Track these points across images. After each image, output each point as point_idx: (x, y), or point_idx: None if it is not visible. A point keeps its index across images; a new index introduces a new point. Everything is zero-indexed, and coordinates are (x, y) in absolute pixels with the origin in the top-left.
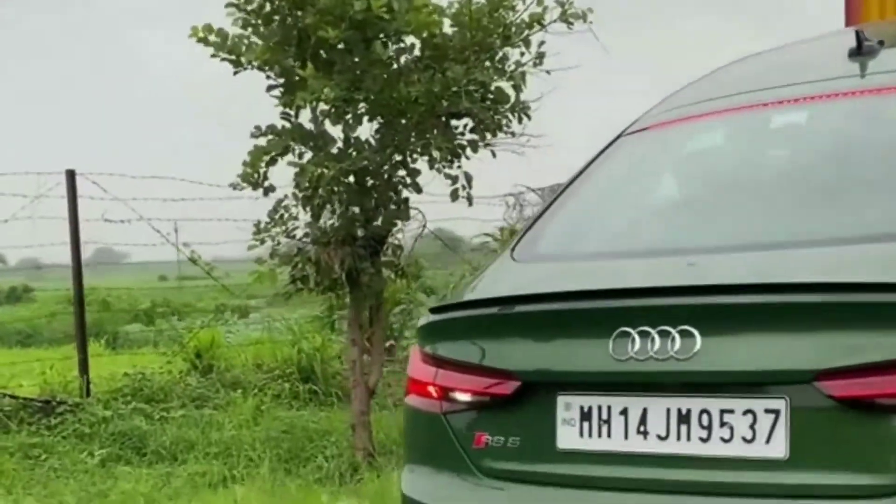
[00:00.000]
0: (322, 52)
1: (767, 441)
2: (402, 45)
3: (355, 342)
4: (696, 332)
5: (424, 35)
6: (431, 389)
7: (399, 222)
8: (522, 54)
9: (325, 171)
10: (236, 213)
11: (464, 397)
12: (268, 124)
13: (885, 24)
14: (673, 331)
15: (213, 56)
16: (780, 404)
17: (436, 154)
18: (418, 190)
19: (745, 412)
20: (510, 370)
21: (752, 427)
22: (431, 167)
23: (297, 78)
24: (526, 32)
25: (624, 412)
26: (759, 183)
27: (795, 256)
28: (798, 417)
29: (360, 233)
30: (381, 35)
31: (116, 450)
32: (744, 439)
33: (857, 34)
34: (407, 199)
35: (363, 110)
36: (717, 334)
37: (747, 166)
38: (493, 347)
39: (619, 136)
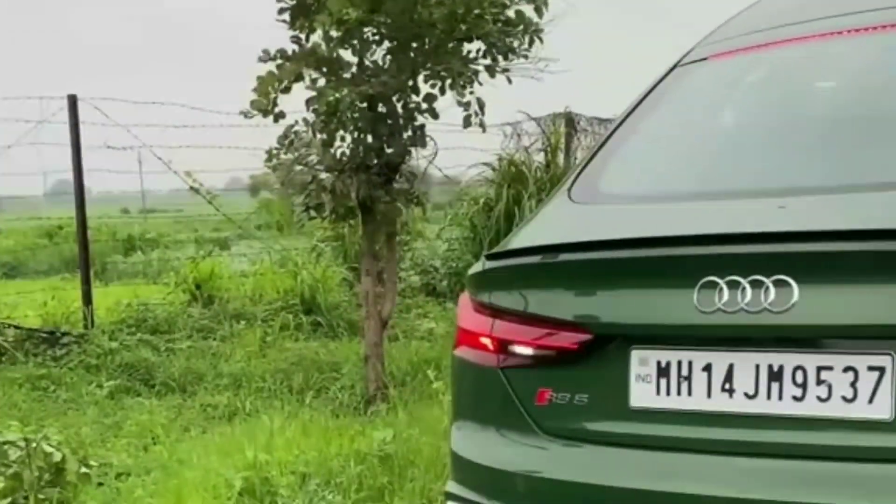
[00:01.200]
0: None
1: (870, 401)
2: None
3: (369, 272)
4: (792, 283)
5: None
6: (487, 341)
7: (413, 150)
8: None
9: (344, 95)
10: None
11: (525, 350)
12: (277, 48)
13: None
14: (767, 281)
15: None
16: (885, 361)
17: (454, 79)
18: (435, 116)
19: (846, 369)
20: (579, 322)
21: (853, 385)
22: (443, 93)
23: (311, 0)
24: None
25: (707, 368)
26: (836, 120)
27: (890, 200)
28: None
29: (374, 160)
30: None
31: (125, 381)
32: (843, 399)
33: None
34: (423, 126)
35: (376, 34)
36: (816, 285)
37: (819, 102)
38: (560, 297)
39: (675, 66)
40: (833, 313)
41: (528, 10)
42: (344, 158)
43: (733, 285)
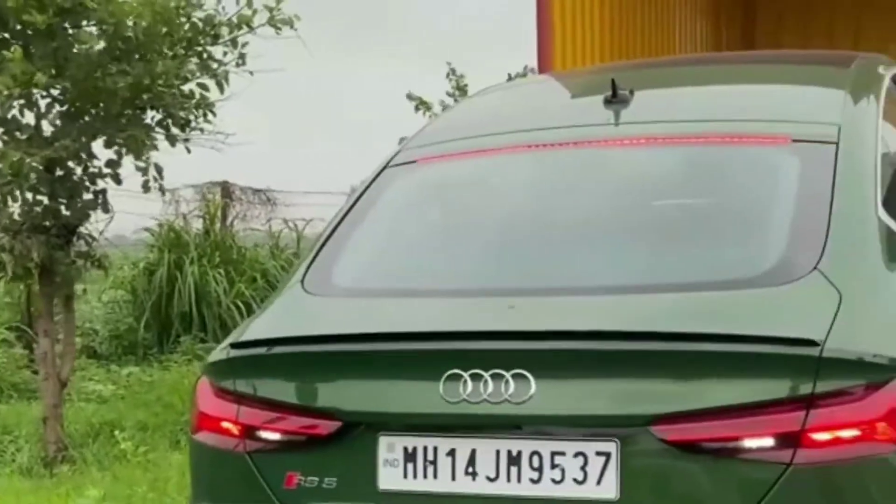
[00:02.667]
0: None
1: (599, 482)
2: (104, 31)
3: (47, 333)
4: (530, 376)
5: (131, 22)
6: (232, 427)
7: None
8: (225, 54)
9: (25, 157)
10: None
11: (273, 436)
12: None
13: (625, 69)
14: (507, 374)
15: None
16: (611, 447)
17: (137, 146)
18: (118, 181)
19: (577, 454)
20: (328, 410)
21: (583, 469)
22: (120, 157)
23: None
24: (234, 33)
25: (451, 453)
26: (549, 226)
27: (615, 303)
28: (629, 460)
29: (51, 221)
30: (84, 23)
31: None
32: (575, 481)
33: (612, 81)
34: (104, 191)
35: (55, 99)
36: (551, 379)
37: (532, 208)
38: (308, 386)
39: (385, 167)
40: (565, 405)
41: (211, 83)
42: (20, 218)
43: (476, 378)
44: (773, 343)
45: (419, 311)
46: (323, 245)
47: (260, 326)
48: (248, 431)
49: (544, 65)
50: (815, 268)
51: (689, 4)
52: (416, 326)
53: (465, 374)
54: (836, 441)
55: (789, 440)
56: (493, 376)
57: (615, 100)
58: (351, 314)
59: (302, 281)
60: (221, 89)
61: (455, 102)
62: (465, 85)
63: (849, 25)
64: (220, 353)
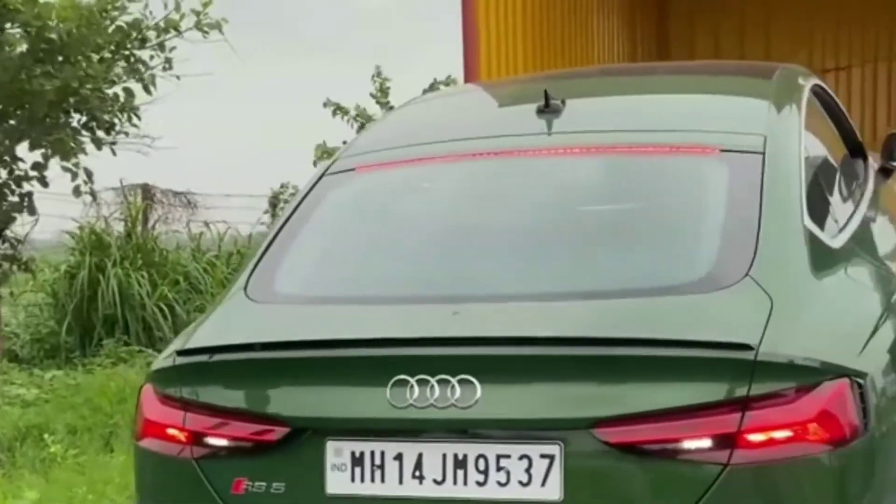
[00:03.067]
0: None
1: (543, 484)
2: (28, 33)
3: None
4: (476, 382)
5: (56, 24)
6: (179, 434)
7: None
8: (152, 57)
9: None
10: None
11: (221, 442)
12: None
13: (555, 79)
14: (453, 380)
15: None
16: (554, 449)
17: (64, 149)
18: (44, 184)
19: (521, 457)
20: (276, 416)
21: (527, 471)
22: (46, 160)
23: None
24: (162, 37)
25: (398, 457)
26: (489, 234)
27: (556, 309)
28: (572, 462)
29: None
30: (9, 25)
31: None
32: (520, 483)
33: (545, 92)
34: (31, 193)
35: None
36: (496, 384)
37: (471, 216)
38: (256, 393)
39: (322, 175)
40: (510, 409)
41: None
42: None
43: (423, 383)
44: (710, 347)
45: (364, 318)
46: (264, 253)
47: (205, 334)
48: (195, 438)
49: (470, 74)
50: (746, 274)
51: (606, 6)
52: (363, 333)
53: (412, 380)
54: (771, 442)
55: (726, 441)
56: (440, 381)
57: (547, 109)
58: (296, 321)
59: (245, 288)
60: (149, 92)
61: (378, 105)
62: (388, 88)
63: (759, 26)
64: (165, 360)
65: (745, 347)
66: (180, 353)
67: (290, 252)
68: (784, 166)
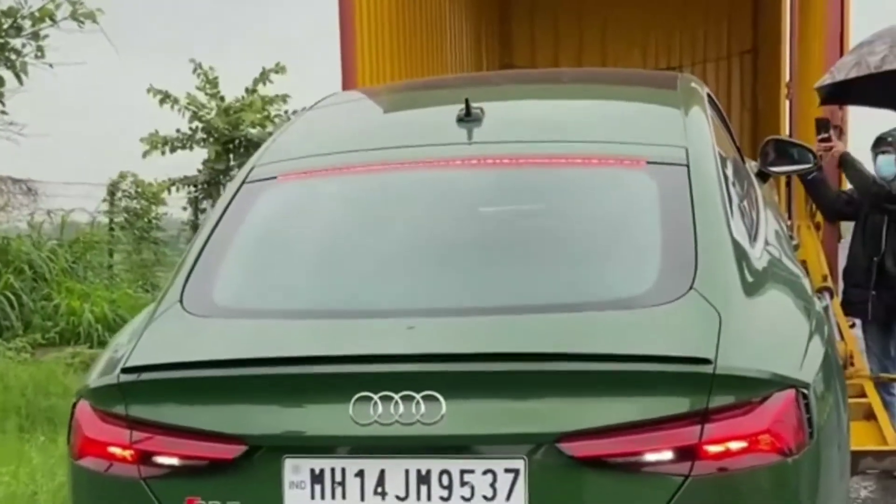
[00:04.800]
0: None
1: (508, 498)
2: None
3: None
4: (440, 398)
5: None
6: (124, 452)
7: None
8: (24, 46)
9: None
10: None
11: (172, 461)
12: None
13: (461, 84)
14: (417, 396)
15: None
16: (519, 464)
17: None
18: None
19: (486, 472)
20: (231, 434)
21: (492, 486)
22: None
23: None
24: (37, 26)
25: (360, 474)
26: (428, 246)
27: (512, 324)
28: (536, 476)
29: None
30: None
31: None
32: (484, 497)
33: (466, 101)
34: None
35: None
36: (461, 399)
37: (406, 228)
38: (209, 410)
39: (242, 183)
40: (476, 424)
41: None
42: None
43: (387, 399)
44: (670, 362)
45: (317, 333)
46: (195, 263)
47: (148, 349)
48: (143, 457)
49: (348, 81)
50: (691, 287)
51: (455, 6)
52: (321, 350)
53: (375, 397)
54: (728, 453)
55: (687, 453)
56: (404, 398)
57: (468, 118)
58: (246, 336)
59: (180, 301)
60: (20, 81)
61: (207, 97)
62: (216, 78)
63: (595, 27)
64: (105, 377)
65: (703, 361)
66: (126, 370)
67: (224, 263)
68: (707, 178)
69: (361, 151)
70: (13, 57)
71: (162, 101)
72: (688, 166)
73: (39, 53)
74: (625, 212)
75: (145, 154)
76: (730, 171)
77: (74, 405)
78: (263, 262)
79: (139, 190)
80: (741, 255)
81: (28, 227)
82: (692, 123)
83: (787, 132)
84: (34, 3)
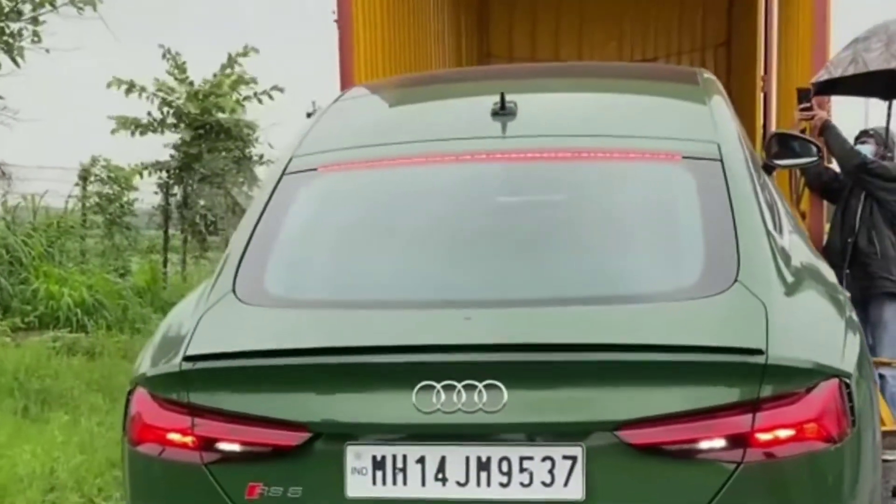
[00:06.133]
0: None
1: (566, 484)
2: None
3: None
4: (502, 387)
5: None
6: (185, 439)
7: None
8: (20, 31)
9: None
10: None
11: (235, 448)
12: None
13: (486, 77)
14: (479, 385)
15: None
16: (577, 451)
17: None
18: None
19: (545, 459)
20: (296, 421)
21: (550, 472)
22: None
23: None
24: (37, 11)
25: (421, 460)
26: (479, 239)
27: (568, 315)
28: (593, 463)
29: None
30: None
31: None
32: (543, 483)
33: (502, 95)
34: None
35: None
36: (522, 389)
37: (455, 221)
38: (274, 398)
39: (282, 175)
40: (536, 412)
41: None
42: None
43: (449, 388)
44: (724, 352)
45: (375, 323)
46: (244, 252)
47: (206, 338)
48: (205, 443)
49: (346, 79)
50: (736, 280)
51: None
52: (382, 340)
53: (438, 385)
54: (777, 441)
55: (739, 441)
56: (466, 387)
57: (503, 112)
58: (305, 326)
59: (233, 290)
60: (17, 65)
61: (177, 82)
62: (184, 63)
63: (573, 13)
64: (165, 366)
65: (756, 352)
66: (188, 358)
67: (273, 254)
68: (740, 172)
69: (400, 144)
70: (11, 41)
71: (128, 92)
72: (721, 161)
73: (36, 38)
74: (666, 206)
75: (114, 131)
76: (754, 165)
77: (130, 392)
78: (312, 253)
79: (111, 175)
80: (777, 248)
81: (2, 211)
82: (720, 118)
83: (762, 124)
84: None
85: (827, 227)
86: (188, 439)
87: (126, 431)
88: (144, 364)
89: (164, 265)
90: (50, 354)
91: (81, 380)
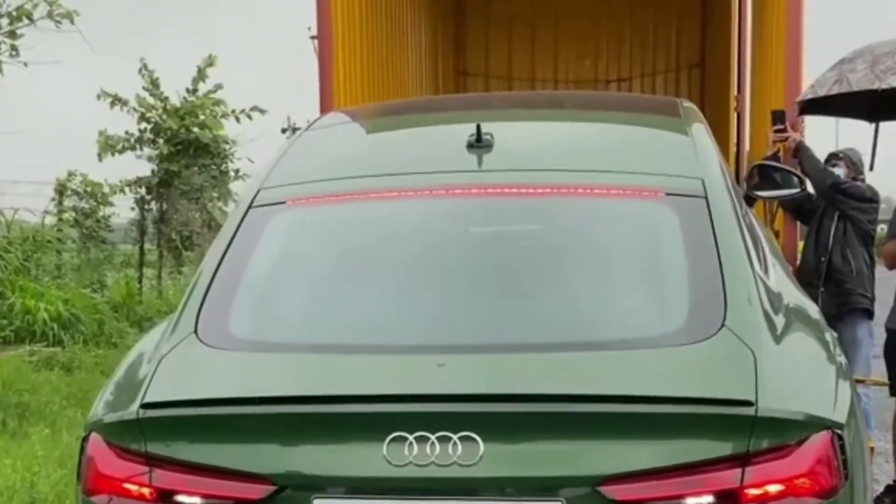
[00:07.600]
0: None
1: None
2: None
3: None
4: (478, 438)
5: None
6: (142, 490)
7: None
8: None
9: None
10: None
11: (194, 501)
12: None
13: (459, 105)
14: (454, 437)
15: None
16: None
17: None
18: None
19: None
20: (260, 473)
21: None
22: None
23: None
24: (15, 25)
25: None
26: (452, 280)
27: (546, 363)
28: None
29: None
30: None
31: None
32: None
33: (478, 127)
34: None
35: None
36: (499, 441)
37: (428, 259)
38: (236, 448)
39: (249, 208)
40: (515, 466)
41: None
42: None
43: (422, 440)
44: (712, 404)
45: (346, 369)
46: (207, 291)
47: (166, 383)
48: (164, 495)
49: (325, 95)
50: (722, 325)
51: (413, 9)
52: (352, 388)
53: (411, 437)
54: (769, 496)
55: (728, 497)
56: (440, 439)
57: (479, 144)
58: (271, 372)
59: (195, 331)
60: None
61: (152, 97)
62: (157, 78)
63: (548, 30)
64: (122, 412)
65: (745, 403)
66: (146, 405)
67: (238, 293)
68: (725, 210)
69: (373, 177)
70: None
71: (112, 104)
72: (706, 198)
73: (14, 52)
74: (649, 246)
75: (101, 156)
76: (737, 199)
77: (85, 438)
78: (279, 293)
79: (87, 189)
80: (764, 289)
81: None
82: (703, 152)
83: (735, 142)
84: (12, 3)
85: (800, 245)
86: (145, 490)
87: (80, 479)
88: (100, 408)
89: (140, 280)
90: (27, 369)
91: (59, 394)
